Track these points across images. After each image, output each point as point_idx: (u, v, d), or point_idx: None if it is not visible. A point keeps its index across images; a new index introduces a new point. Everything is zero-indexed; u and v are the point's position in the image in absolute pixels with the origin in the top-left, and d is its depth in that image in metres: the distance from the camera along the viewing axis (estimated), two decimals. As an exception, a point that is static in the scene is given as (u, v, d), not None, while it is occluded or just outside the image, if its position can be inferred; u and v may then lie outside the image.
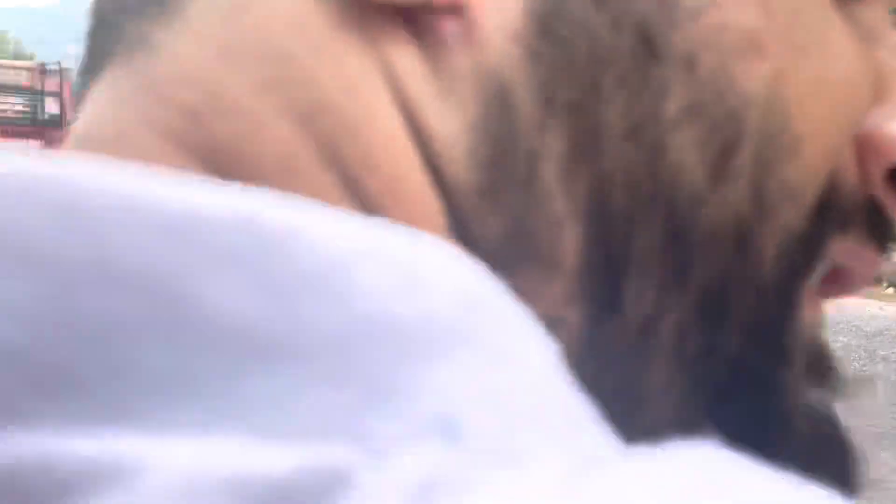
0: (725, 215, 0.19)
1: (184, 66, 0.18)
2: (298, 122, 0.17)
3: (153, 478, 0.11)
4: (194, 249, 0.13)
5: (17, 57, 31.50)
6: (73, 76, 16.31)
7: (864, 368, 5.20)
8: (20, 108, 13.30)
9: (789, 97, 0.20)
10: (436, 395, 0.13)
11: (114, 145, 0.18)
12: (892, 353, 5.67)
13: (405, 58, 0.18)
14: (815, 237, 0.20)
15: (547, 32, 0.18)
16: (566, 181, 0.18)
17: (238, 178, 0.16)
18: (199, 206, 0.14)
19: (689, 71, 0.19)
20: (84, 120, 0.20)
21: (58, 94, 13.58)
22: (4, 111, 13.17)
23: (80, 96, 0.21)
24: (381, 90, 0.18)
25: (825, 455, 0.21)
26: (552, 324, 0.16)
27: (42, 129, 13.30)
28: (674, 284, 0.19)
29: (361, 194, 0.17)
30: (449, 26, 0.18)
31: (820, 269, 0.21)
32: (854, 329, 6.05)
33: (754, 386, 0.20)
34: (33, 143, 13.05)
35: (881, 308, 7.17)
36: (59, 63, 14.69)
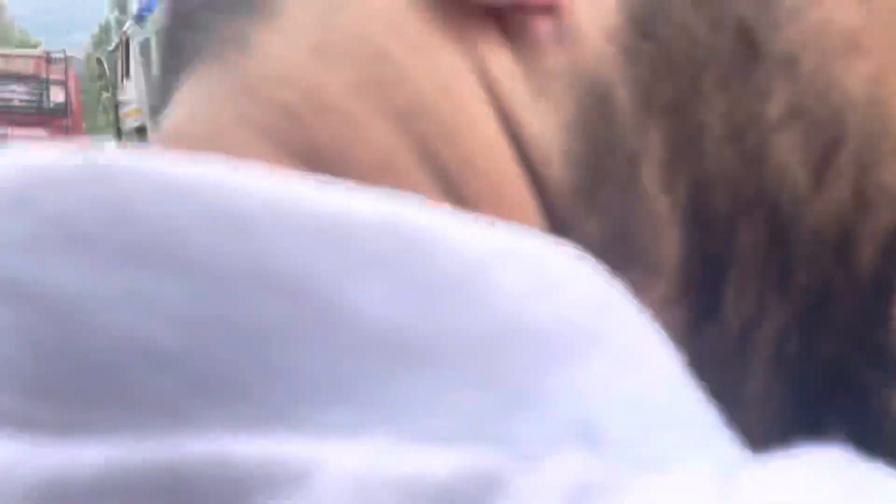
0: (827, 217, 0.19)
1: (279, 66, 0.18)
2: (396, 122, 0.17)
3: (326, 479, 0.11)
4: (344, 253, 0.13)
5: (22, 45, 31.52)
6: (78, 65, 16.35)
7: None
8: (25, 96, 13.31)
9: (890, 97, 0.19)
10: (575, 398, 0.13)
11: (211, 144, 0.18)
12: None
13: (498, 58, 0.18)
14: None
15: (644, 32, 0.18)
16: (666, 183, 0.18)
17: (338, 178, 0.16)
18: (347, 209, 0.14)
19: (791, 71, 0.19)
20: (177, 117, 0.19)
21: (63, 83, 13.60)
22: (10, 99, 13.19)
23: (161, 94, 0.21)
24: (476, 90, 0.18)
25: None
26: None
27: (47, 117, 13.33)
28: (774, 288, 0.19)
29: (459, 195, 0.17)
30: (542, 26, 0.18)
31: None
32: None
33: (853, 390, 0.20)
34: (38, 132, 13.10)
35: None
36: (63, 51, 14.70)
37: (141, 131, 7.91)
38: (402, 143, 0.17)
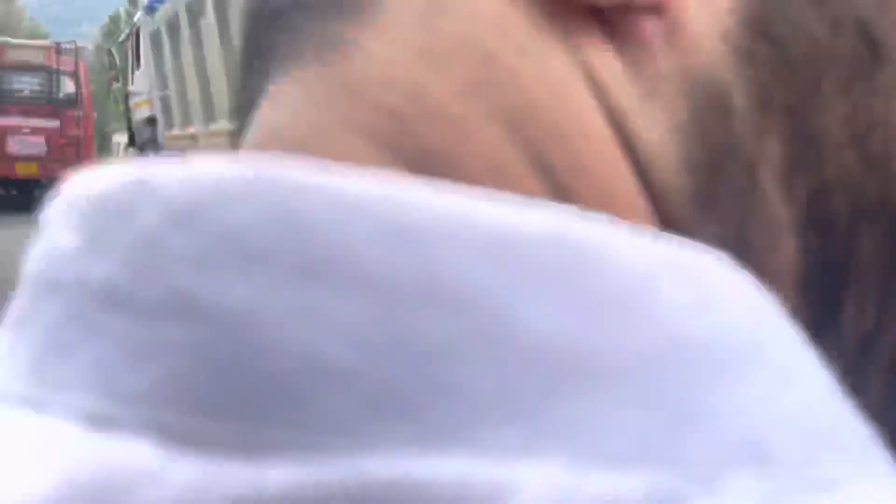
0: None
1: (383, 68, 0.17)
2: (506, 127, 0.17)
3: (530, 498, 0.11)
4: (514, 268, 0.13)
5: (32, 36, 31.58)
6: (88, 55, 16.36)
7: None
8: (36, 87, 13.34)
9: None
10: (741, 416, 0.13)
11: (314, 147, 0.17)
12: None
13: (605, 60, 0.17)
14: None
15: (760, 32, 0.17)
16: (785, 188, 0.18)
17: (447, 184, 0.15)
18: (515, 222, 0.14)
19: None
20: (273, 119, 0.19)
21: (73, 74, 13.62)
22: (21, 90, 13.22)
23: (244, 95, 0.20)
24: (585, 93, 0.17)
25: None
26: None
27: (58, 107, 13.35)
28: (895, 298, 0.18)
29: (571, 202, 0.17)
30: (649, 27, 0.17)
31: None
32: None
33: None
34: (50, 122, 13.13)
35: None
36: (74, 42, 14.71)
37: (151, 121, 7.92)
38: (513, 149, 0.17)
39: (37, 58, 13.46)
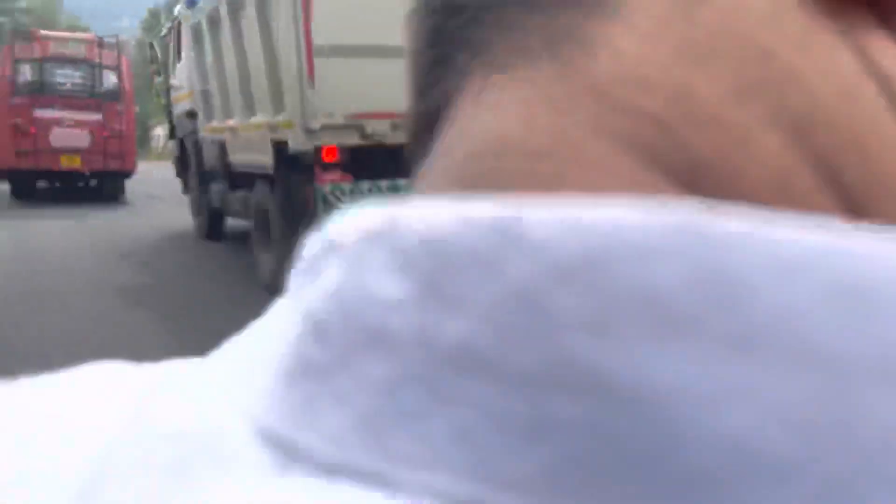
0: None
1: (636, 67, 0.15)
2: (791, 134, 0.14)
3: None
4: None
5: (71, 30, 32.14)
6: (130, 49, 16.61)
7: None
8: (79, 80, 13.58)
9: None
10: None
11: (560, 157, 0.15)
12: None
13: (885, 52, 0.15)
14: None
15: None
16: None
17: (724, 201, 0.14)
18: None
19: None
20: (498, 125, 0.16)
21: (115, 67, 13.82)
22: (63, 84, 13.47)
23: (431, 93, 0.19)
24: (874, 92, 0.15)
25: None
26: None
27: (100, 101, 13.58)
28: None
29: (866, 219, 0.14)
30: None
31: None
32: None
33: None
34: (92, 115, 13.36)
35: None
36: (116, 36, 14.93)
37: (191, 115, 8.01)
38: (799, 161, 0.14)
39: (79, 52, 13.70)
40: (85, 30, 34.77)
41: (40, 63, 13.27)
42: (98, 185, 13.98)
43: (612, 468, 0.11)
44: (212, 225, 8.24)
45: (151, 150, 33.56)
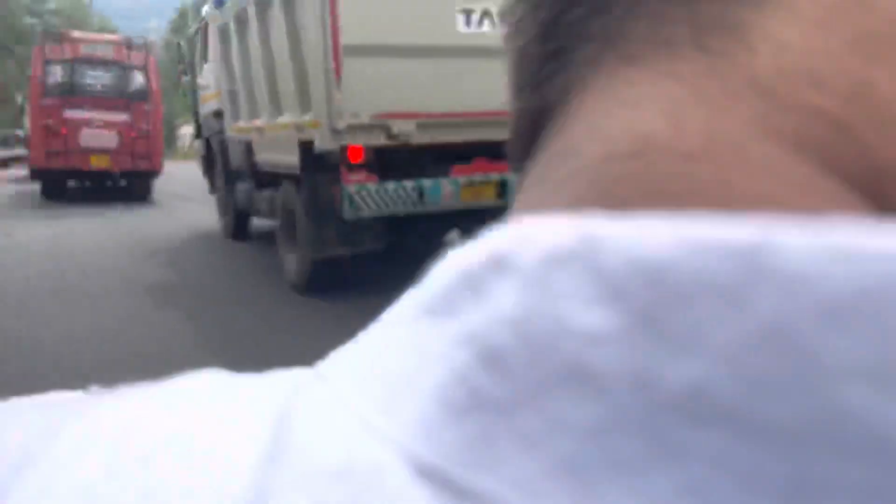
0: None
1: (805, 60, 0.13)
2: None
3: None
4: None
5: (101, 30, 32.56)
6: (157, 49, 16.83)
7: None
8: (108, 81, 13.75)
9: None
10: None
11: (722, 161, 0.13)
12: None
13: None
14: None
15: None
16: None
17: None
18: None
19: None
20: (640, 123, 0.15)
21: (143, 68, 13.98)
22: (93, 84, 13.64)
23: (547, 86, 0.17)
24: None
25: None
26: None
27: (129, 101, 13.74)
28: None
29: None
30: None
31: None
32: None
33: None
34: (121, 115, 13.53)
35: None
36: (144, 37, 15.10)
37: (218, 115, 8.06)
38: None
39: (108, 53, 13.87)
40: (114, 31, 35.20)
41: (71, 64, 13.45)
42: (127, 185, 14.15)
43: None
44: (238, 224, 8.29)
45: (177, 150, 33.92)
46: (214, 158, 8.76)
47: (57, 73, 13.44)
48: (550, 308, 0.12)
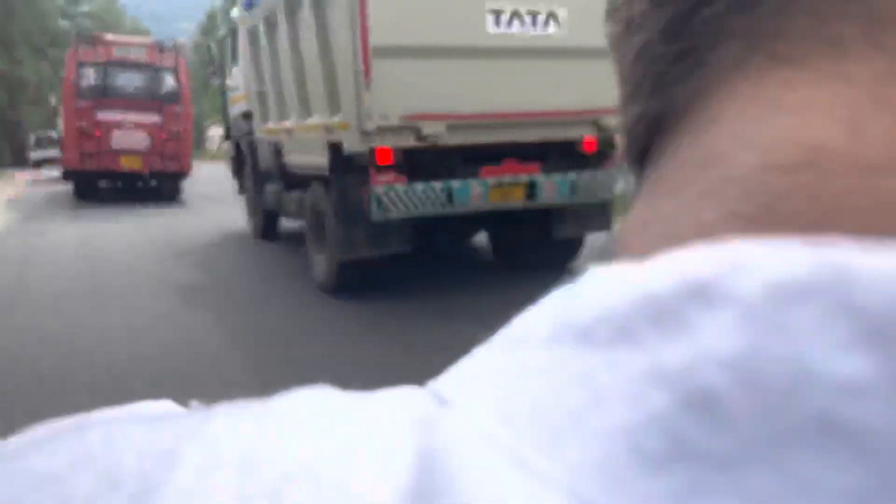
0: None
1: None
2: None
3: None
4: None
5: (134, 33, 33.05)
6: (187, 52, 17.03)
7: None
8: (140, 83, 13.93)
9: None
10: None
11: None
12: None
13: None
14: None
15: None
16: None
17: None
18: None
19: None
20: (808, 130, 0.13)
21: (173, 70, 14.15)
22: (125, 87, 13.83)
23: (672, 87, 0.15)
24: None
25: None
26: None
27: (160, 103, 13.92)
28: None
29: None
30: None
31: None
32: None
33: None
34: (152, 117, 13.70)
35: None
36: (174, 40, 15.28)
37: (247, 116, 8.12)
38: None
39: (140, 55, 14.06)
40: (146, 33, 35.69)
41: (104, 67, 13.66)
42: (157, 186, 14.34)
43: None
44: (267, 225, 8.35)
45: (206, 151, 34.31)
46: (243, 160, 8.83)
47: (90, 76, 13.65)
48: (787, 350, 0.11)
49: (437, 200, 5.05)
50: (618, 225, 0.19)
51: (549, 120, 5.26)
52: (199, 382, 3.77)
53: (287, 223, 8.08)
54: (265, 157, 7.59)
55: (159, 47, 14.29)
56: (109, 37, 14.91)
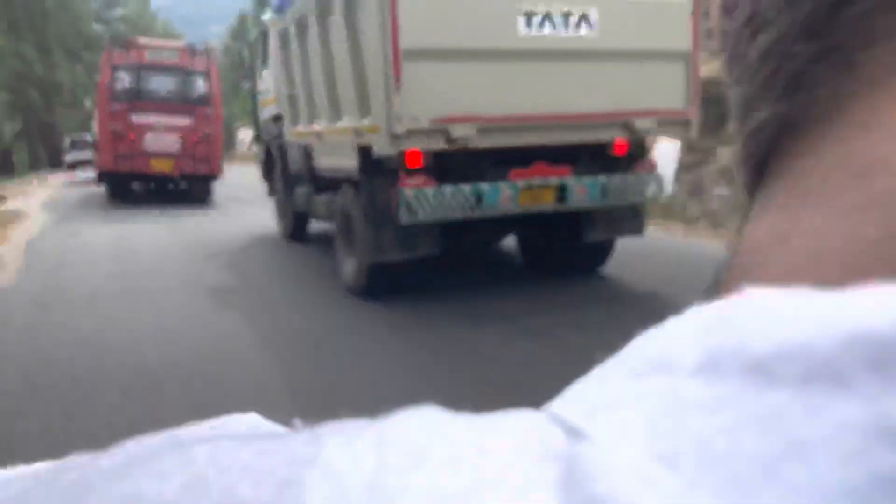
0: None
1: None
2: None
3: None
4: None
5: (166, 36, 33.47)
6: (218, 55, 17.23)
7: None
8: (172, 86, 14.11)
9: None
10: None
11: None
12: None
13: None
14: None
15: None
16: None
17: None
18: None
19: None
20: None
21: (205, 73, 14.31)
22: (158, 90, 14.02)
23: (842, 92, 0.14)
24: None
25: None
26: None
27: (191, 105, 14.08)
28: None
29: None
30: None
31: None
32: None
33: None
34: (184, 120, 13.86)
35: None
36: (206, 43, 15.46)
37: (277, 119, 8.18)
38: None
39: (173, 59, 14.24)
40: (178, 37, 36.14)
41: (137, 70, 13.85)
42: (187, 188, 14.51)
43: None
44: (296, 227, 8.40)
45: (236, 154, 34.67)
46: (273, 163, 8.90)
47: (124, 79, 13.85)
48: None
49: (466, 203, 5.03)
50: (738, 236, 0.17)
51: (580, 122, 5.22)
52: (231, 384, 3.79)
53: (316, 225, 8.13)
54: (295, 160, 7.64)
55: (191, 50, 14.46)
56: (142, 40, 15.13)
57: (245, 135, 30.87)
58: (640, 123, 5.33)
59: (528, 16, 4.97)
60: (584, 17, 5.08)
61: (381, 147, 4.96)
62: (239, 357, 4.29)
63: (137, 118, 13.73)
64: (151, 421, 3.30)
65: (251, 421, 0.19)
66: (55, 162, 30.64)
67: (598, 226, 5.66)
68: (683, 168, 9.28)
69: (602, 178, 5.34)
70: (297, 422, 0.17)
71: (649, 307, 5.02)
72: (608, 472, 0.12)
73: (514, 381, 3.65)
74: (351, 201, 5.58)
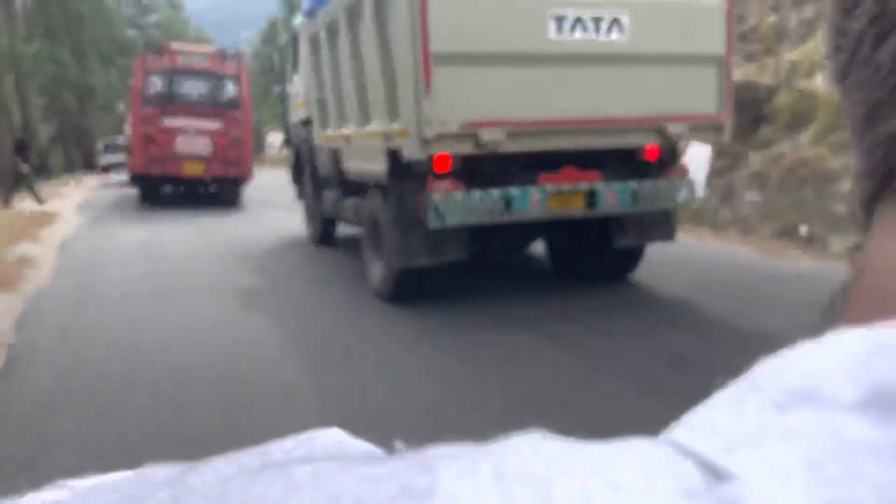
0: None
1: None
2: None
3: None
4: None
5: (198, 41, 33.92)
6: (248, 59, 17.40)
7: None
8: (203, 90, 14.28)
9: None
10: None
11: None
12: None
13: None
14: None
15: None
16: None
17: None
18: None
19: None
20: None
21: (235, 78, 14.47)
22: (189, 94, 14.19)
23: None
24: None
25: None
26: None
27: (222, 109, 14.24)
28: None
29: None
30: None
31: None
32: None
33: None
34: (214, 123, 14.01)
35: None
36: (236, 48, 15.62)
37: (307, 123, 8.22)
38: None
39: (204, 63, 14.41)
40: (209, 41, 36.59)
41: (169, 75, 14.04)
42: (217, 191, 14.67)
43: None
44: (324, 231, 8.43)
45: (265, 157, 34.97)
46: (303, 166, 8.94)
47: (156, 84, 14.05)
48: None
49: (495, 208, 5.01)
50: (857, 256, 0.15)
51: (611, 127, 5.17)
52: (259, 386, 3.80)
53: (344, 229, 8.15)
54: (324, 164, 7.67)
55: (221, 55, 14.63)
56: (175, 45, 15.33)
57: (275, 138, 31.12)
58: (672, 128, 5.27)
59: (559, 20, 4.94)
60: (615, 21, 5.03)
61: (411, 151, 4.96)
62: (267, 359, 4.30)
63: (169, 121, 13.92)
64: (180, 420, 3.33)
65: (337, 436, 0.17)
66: (89, 164, 31.14)
67: (628, 231, 5.59)
68: (714, 173, 9.17)
69: (633, 184, 5.28)
70: (399, 444, 0.16)
71: (679, 315, 4.95)
72: None
73: (542, 387, 3.62)
74: (379, 205, 5.58)
